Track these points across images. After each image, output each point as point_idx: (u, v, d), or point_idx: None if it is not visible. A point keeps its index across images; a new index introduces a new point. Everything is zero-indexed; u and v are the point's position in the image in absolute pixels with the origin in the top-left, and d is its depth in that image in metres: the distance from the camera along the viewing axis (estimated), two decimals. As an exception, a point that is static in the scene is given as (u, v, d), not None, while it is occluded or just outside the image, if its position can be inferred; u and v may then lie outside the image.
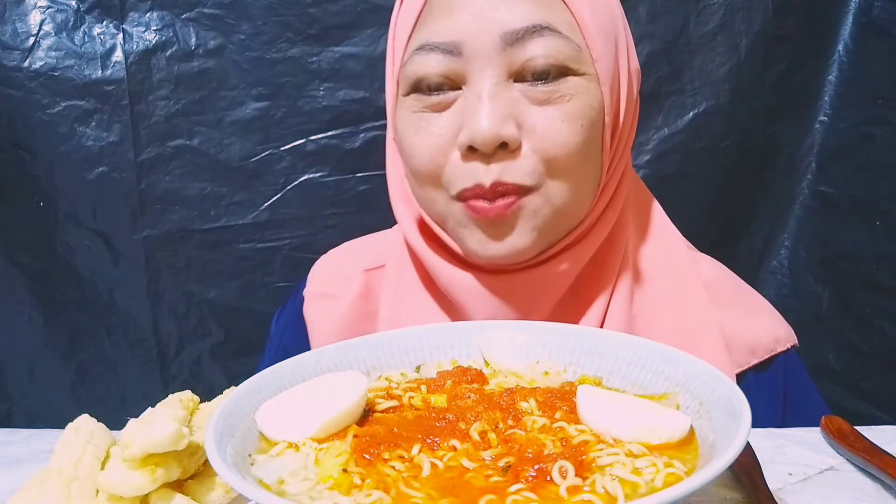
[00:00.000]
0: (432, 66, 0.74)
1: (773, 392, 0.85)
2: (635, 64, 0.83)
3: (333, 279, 0.95)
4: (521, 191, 0.74)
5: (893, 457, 0.66)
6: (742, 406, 0.51)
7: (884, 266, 1.40)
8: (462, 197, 0.75)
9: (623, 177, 0.84)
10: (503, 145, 0.72)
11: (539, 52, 0.72)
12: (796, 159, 1.50)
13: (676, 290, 0.85)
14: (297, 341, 0.94)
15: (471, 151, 0.73)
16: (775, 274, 1.55)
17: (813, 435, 0.75)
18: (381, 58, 1.38)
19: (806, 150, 1.49)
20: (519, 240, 0.76)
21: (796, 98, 1.47)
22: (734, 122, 1.45)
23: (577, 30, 0.74)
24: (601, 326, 0.81)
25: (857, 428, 0.73)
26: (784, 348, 0.88)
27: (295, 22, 1.37)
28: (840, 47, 1.44)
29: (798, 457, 0.70)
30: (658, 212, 0.92)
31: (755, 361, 0.85)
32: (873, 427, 0.74)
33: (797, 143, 1.49)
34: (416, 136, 0.77)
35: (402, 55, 0.78)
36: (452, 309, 0.84)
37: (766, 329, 0.88)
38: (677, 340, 0.77)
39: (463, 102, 0.74)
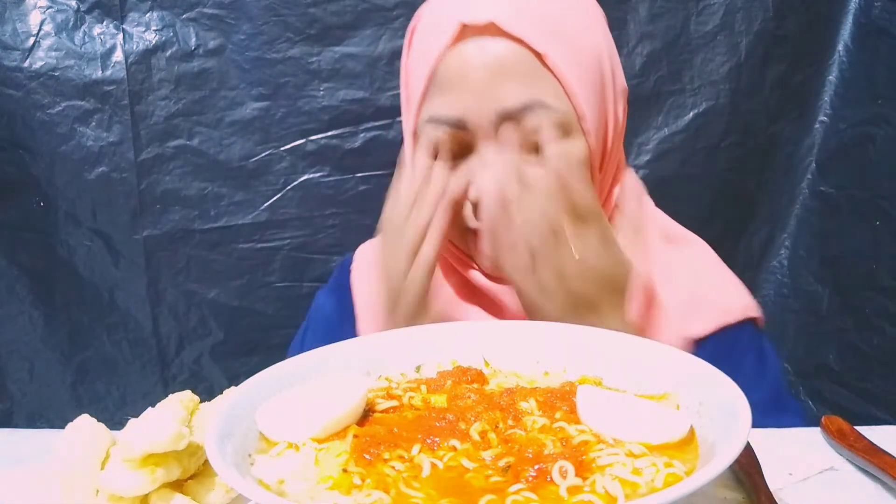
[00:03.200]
0: (443, 137, 0.84)
1: (729, 357, 0.87)
2: (621, 84, 0.90)
3: (373, 256, 1.02)
4: None
5: (893, 457, 0.66)
6: (742, 406, 0.51)
7: (884, 266, 1.40)
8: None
9: (614, 183, 0.93)
10: None
11: (533, 123, 0.81)
12: (796, 159, 1.50)
13: (646, 256, 0.92)
14: (344, 315, 1.01)
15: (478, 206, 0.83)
16: (775, 274, 1.55)
17: (813, 435, 0.75)
18: (381, 58, 1.39)
19: (806, 150, 1.49)
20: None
21: (796, 98, 1.47)
22: (734, 122, 1.44)
23: (564, 97, 0.82)
24: None
25: (857, 428, 0.73)
26: (747, 317, 0.92)
27: (295, 22, 1.37)
28: (840, 47, 1.44)
29: (798, 457, 0.70)
30: (647, 202, 0.99)
31: (719, 325, 0.89)
32: (873, 427, 0.74)
33: (797, 143, 1.49)
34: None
35: (416, 113, 0.87)
36: (475, 300, 0.92)
37: (732, 297, 0.94)
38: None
39: (472, 164, 0.84)
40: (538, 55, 0.81)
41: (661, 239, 0.97)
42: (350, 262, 1.07)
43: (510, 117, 0.81)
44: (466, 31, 0.82)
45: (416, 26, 0.92)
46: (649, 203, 1.00)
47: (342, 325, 1.02)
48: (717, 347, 0.88)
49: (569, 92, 0.82)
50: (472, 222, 0.86)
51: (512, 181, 0.80)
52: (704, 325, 0.89)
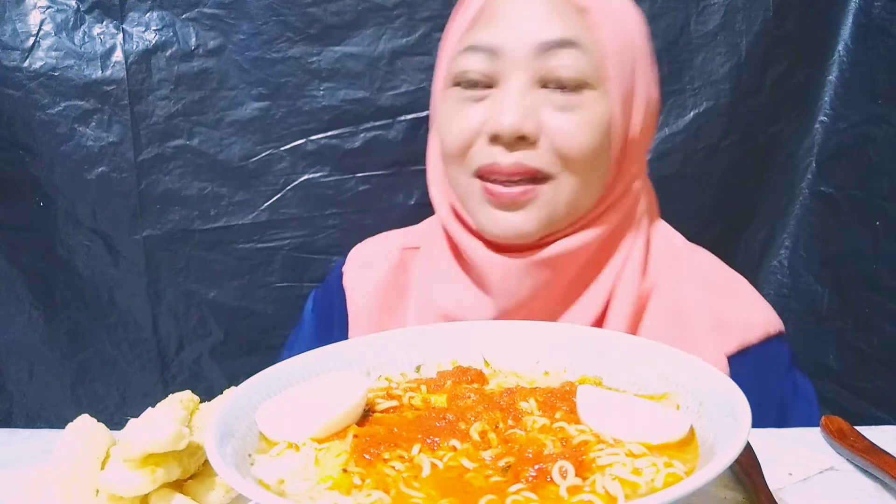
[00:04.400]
0: (474, 64, 0.88)
1: (758, 374, 0.90)
2: (654, 94, 0.95)
3: (372, 255, 1.08)
4: (538, 177, 0.87)
5: (893, 457, 0.66)
6: (742, 406, 0.51)
7: (884, 266, 1.40)
8: (479, 173, 0.89)
9: (632, 183, 0.96)
10: (523, 138, 0.85)
11: (565, 62, 0.85)
12: (796, 159, 1.50)
13: (673, 277, 0.96)
14: (337, 309, 1.05)
15: (495, 140, 0.86)
16: (775, 274, 1.55)
17: (813, 435, 0.75)
18: (381, 58, 1.39)
19: (806, 150, 1.49)
20: (525, 223, 0.88)
21: (796, 98, 1.47)
22: (734, 122, 1.44)
23: (598, 52, 0.87)
24: (606, 308, 0.92)
25: (857, 428, 0.73)
26: (773, 332, 0.94)
27: (295, 22, 1.37)
28: (840, 47, 1.44)
29: (798, 457, 0.71)
30: (658, 215, 1.03)
31: (745, 344, 0.92)
32: (873, 427, 0.74)
33: (797, 143, 1.49)
34: (452, 123, 0.91)
35: (451, 53, 0.92)
36: (480, 283, 0.94)
37: (756, 313, 0.96)
38: (671, 320, 0.90)
39: (494, 98, 0.87)
40: (581, 10, 0.87)
41: (683, 250, 0.99)
42: (341, 264, 1.10)
43: (545, 49, 0.85)
44: None
45: None
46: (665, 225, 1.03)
47: (331, 326, 1.06)
48: (746, 369, 0.88)
49: (603, 48, 0.87)
50: (479, 158, 0.88)
51: (530, 119, 0.85)
52: (729, 343, 0.90)
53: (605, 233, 0.93)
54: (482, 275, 0.92)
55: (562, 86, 0.86)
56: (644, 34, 0.95)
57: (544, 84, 0.86)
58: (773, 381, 0.92)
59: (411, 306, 1.00)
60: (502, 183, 0.87)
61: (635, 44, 0.92)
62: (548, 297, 0.91)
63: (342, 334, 1.03)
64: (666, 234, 1.01)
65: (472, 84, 0.89)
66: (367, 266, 1.06)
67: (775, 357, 0.94)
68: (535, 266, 0.90)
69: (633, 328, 0.92)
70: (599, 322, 0.91)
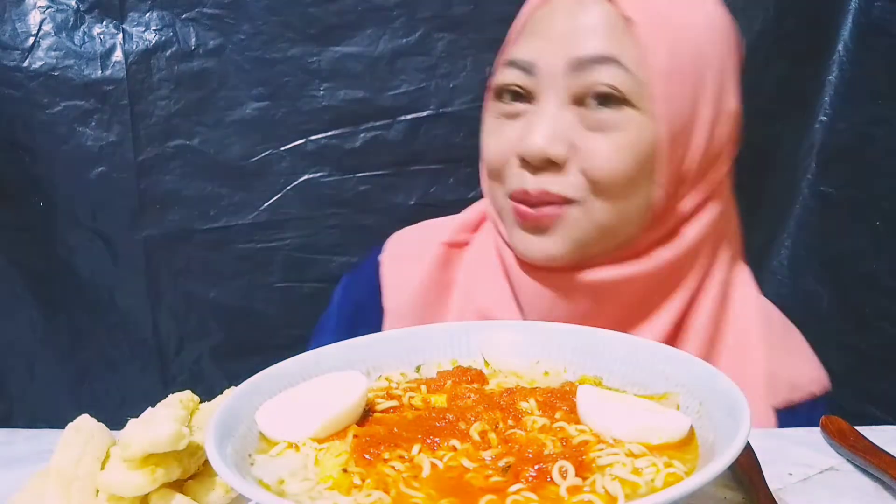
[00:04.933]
0: (511, 79, 0.85)
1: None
2: (731, 107, 0.89)
3: (413, 247, 1.03)
4: (564, 201, 0.82)
5: (893, 457, 0.66)
6: (742, 406, 0.51)
7: (884, 266, 1.40)
8: (511, 196, 0.85)
9: (697, 213, 0.88)
10: (551, 162, 0.81)
11: (600, 79, 0.79)
12: (796, 159, 1.50)
13: (746, 333, 0.89)
14: (370, 301, 1.00)
15: (523, 161, 0.83)
16: (775, 274, 1.55)
17: (813, 435, 0.75)
18: (382, 58, 1.39)
19: (806, 150, 1.49)
20: (552, 247, 0.84)
21: (796, 98, 1.47)
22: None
23: (644, 67, 0.79)
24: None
25: (857, 428, 0.73)
26: (819, 392, 0.91)
27: (295, 22, 1.37)
28: (840, 47, 1.44)
29: (798, 457, 0.71)
30: (740, 258, 0.96)
31: (789, 403, 0.88)
32: (873, 427, 0.74)
33: (797, 143, 1.49)
34: (491, 138, 0.89)
35: (497, 66, 0.89)
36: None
37: (804, 370, 0.92)
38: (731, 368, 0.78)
39: (529, 116, 0.84)
40: (627, 20, 0.80)
41: (751, 297, 0.93)
42: (376, 253, 1.04)
43: (581, 68, 0.79)
44: None
45: None
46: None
47: (362, 318, 1.01)
48: (784, 423, 0.86)
49: (649, 67, 0.79)
50: (511, 180, 0.85)
51: (560, 142, 0.80)
52: (776, 398, 0.87)
53: (654, 269, 0.86)
54: (518, 294, 0.90)
55: (599, 103, 0.80)
56: (720, 43, 0.86)
57: (579, 102, 0.81)
58: None
59: (453, 306, 0.96)
60: (531, 205, 0.84)
61: (702, 58, 0.83)
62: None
63: (375, 328, 0.98)
64: (744, 282, 0.93)
65: (513, 98, 0.85)
66: (406, 259, 1.01)
67: (818, 414, 0.85)
68: (569, 293, 0.86)
69: None
70: None
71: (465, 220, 1.02)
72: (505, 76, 0.86)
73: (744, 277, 0.95)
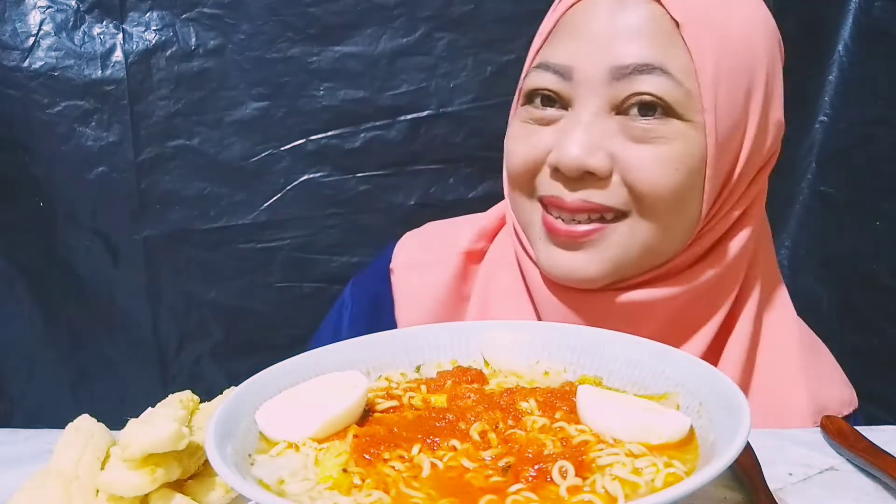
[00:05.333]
0: (544, 83, 0.77)
1: None
2: (777, 116, 0.83)
3: (426, 255, 0.96)
4: (609, 213, 0.76)
5: (893, 457, 0.66)
6: (742, 406, 0.51)
7: (884, 266, 1.40)
8: (544, 204, 0.79)
9: (737, 231, 0.82)
10: (590, 174, 0.74)
11: (644, 88, 0.73)
12: (796, 159, 1.50)
13: (783, 355, 0.84)
14: (381, 310, 0.95)
15: (557, 172, 0.76)
16: (775, 274, 1.55)
17: (813, 435, 0.75)
18: (382, 58, 1.39)
19: (806, 150, 1.49)
20: (586, 267, 0.77)
21: (796, 98, 1.47)
22: (734, 122, 1.45)
23: (692, 75, 0.73)
24: None
25: (857, 428, 0.73)
26: (849, 412, 0.87)
27: (295, 22, 1.37)
28: (840, 47, 1.44)
29: (798, 457, 0.71)
30: (776, 276, 0.89)
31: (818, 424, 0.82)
32: (873, 427, 0.74)
33: (797, 143, 1.49)
34: (518, 144, 0.81)
35: (527, 67, 0.82)
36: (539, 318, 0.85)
37: (837, 392, 0.88)
38: (769, 410, 0.79)
39: (564, 123, 0.77)
40: (675, 23, 0.73)
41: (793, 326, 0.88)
42: (390, 253, 0.99)
43: (623, 75, 0.73)
44: None
45: None
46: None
47: (382, 316, 0.95)
48: None
49: (699, 72, 0.73)
50: (543, 188, 0.78)
51: (600, 153, 0.74)
52: (800, 421, 0.82)
53: (695, 288, 0.80)
54: (541, 314, 0.84)
55: (641, 113, 0.74)
56: (771, 50, 0.81)
57: (621, 111, 0.75)
58: None
59: (469, 316, 0.91)
60: (566, 219, 0.77)
61: (752, 64, 0.78)
62: None
63: (390, 328, 0.88)
64: (778, 293, 0.87)
65: (545, 103, 0.78)
66: (419, 269, 0.94)
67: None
68: (600, 316, 0.79)
69: None
70: None
71: (482, 227, 0.95)
72: (538, 80, 0.78)
73: (782, 299, 0.88)
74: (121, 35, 1.36)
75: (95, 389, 1.51)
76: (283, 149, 1.41)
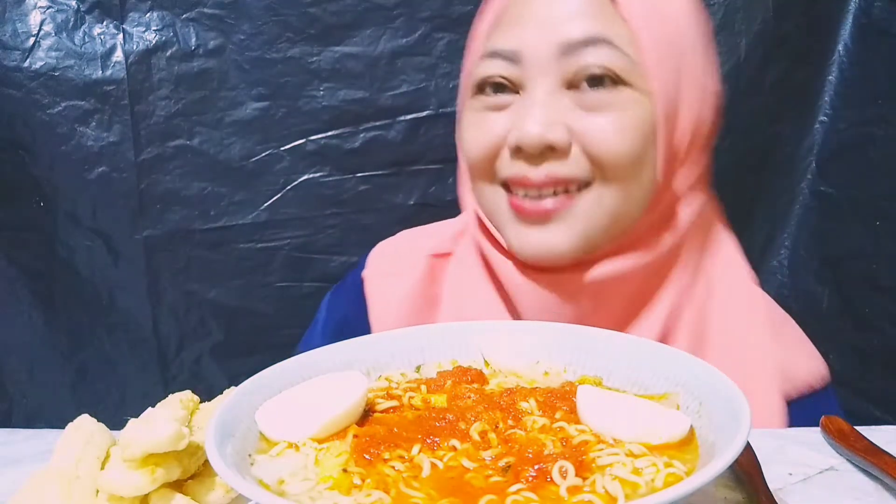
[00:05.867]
0: (494, 70, 0.80)
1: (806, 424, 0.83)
2: (714, 86, 0.84)
3: (396, 262, 0.98)
4: (572, 185, 0.78)
5: (893, 457, 0.66)
6: (742, 406, 0.51)
7: (884, 266, 1.40)
8: (508, 184, 0.81)
9: (687, 196, 0.85)
10: (552, 149, 0.77)
11: (592, 60, 0.76)
12: (796, 159, 1.50)
13: (739, 321, 0.86)
14: (356, 318, 0.96)
15: (518, 152, 0.78)
16: (775, 274, 1.55)
17: (813, 435, 0.75)
18: (381, 58, 1.39)
19: (806, 150, 1.49)
20: (557, 240, 0.79)
21: (796, 98, 1.47)
22: (734, 122, 1.44)
23: (633, 46, 0.77)
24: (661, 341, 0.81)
25: (857, 428, 0.73)
26: (820, 385, 0.89)
27: (295, 22, 1.37)
28: (840, 47, 1.44)
29: (798, 457, 0.70)
30: (727, 239, 0.92)
31: (787, 395, 0.85)
32: (873, 427, 0.74)
33: (797, 143, 1.49)
34: (474, 132, 0.83)
35: (473, 59, 0.85)
36: (513, 309, 0.87)
37: (804, 363, 0.89)
38: (734, 371, 0.76)
39: (518, 106, 0.79)
40: (612, 1, 0.78)
41: (749, 289, 0.90)
42: (360, 268, 1.01)
43: (570, 52, 0.76)
44: None
45: None
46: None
47: (357, 330, 0.92)
48: (798, 419, 0.83)
49: (638, 41, 0.77)
50: (506, 169, 0.80)
51: (557, 127, 0.76)
52: (787, 391, 0.84)
53: (656, 256, 0.83)
54: (515, 301, 0.85)
55: (592, 84, 0.77)
56: (694, 18, 0.83)
57: (572, 86, 0.77)
58: None
59: (441, 320, 0.91)
60: (532, 197, 0.79)
61: (682, 32, 0.81)
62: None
63: None
64: (732, 262, 0.89)
65: (496, 90, 0.81)
66: (391, 275, 0.96)
67: (821, 410, 0.82)
68: (574, 295, 0.81)
69: None
70: None
71: (449, 230, 0.98)
72: (487, 68, 0.81)
73: (740, 269, 0.90)
74: (121, 35, 1.37)
75: (96, 389, 1.51)
76: (283, 149, 1.41)
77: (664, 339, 0.82)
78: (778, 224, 1.53)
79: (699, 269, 0.87)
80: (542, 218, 0.79)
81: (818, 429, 0.75)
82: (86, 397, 1.51)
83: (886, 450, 0.67)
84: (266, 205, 1.43)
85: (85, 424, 0.64)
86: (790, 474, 0.67)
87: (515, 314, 0.86)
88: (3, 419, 1.51)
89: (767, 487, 0.62)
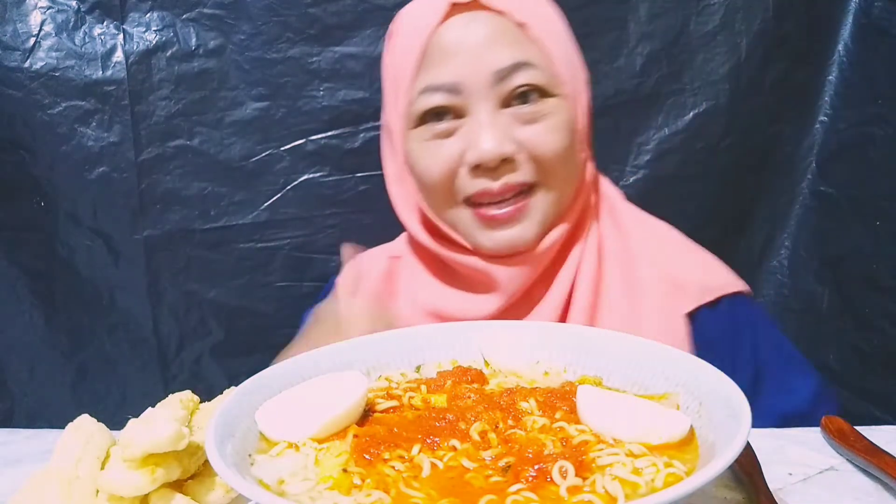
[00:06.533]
0: (437, 101, 0.92)
1: (723, 329, 0.96)
2: (585, 75, 1.00)
3: (363, 265, 1.12)
4: (527, 189, 0.93)
5: (893, 457, 0.66)
6: (742, 406, 0.51)
7: (884, 266, 1.40)
8: (470, 201, 0.94)
9: (587, 170, 1.02)
10: (506, 161, 0.90)
11: (522, 81, 0.90)
12: (796, 159, 1.50)
13: (626, 245, 1.01)
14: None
15: (477, 168, 0.91)
16: (775, 274, 1.55)
17: (813, 435, 0.75)
18: (381, 57, 1.39)
19: (806, 150, 1.49)
20: (523, 235, 0.94)
21: (796, 98, 1.47)
22: (734, 122, 1.44)
23: (547, 62, 0.93)
24: (573, 286, 0.98)
25: (857, 428, 0.73)
26: (731, 291, 0.98)
27: (295, 22, 1.37)
28: (840, 47, 1.44)
29: (798, 457, 0.71)
30: (607, 184, 1.08)
31: (703, 303, 0.96)
32: (873, 427, 0.74)
33: (797, 143, 1.49)
34: (430, 160, 0.94)
35: (407, 95, 0.95)
36: (457, 284, 1.02)
37: (715, 275, 1.01)
38: (625, 289, 0.97)
39: (467, 130, 0.92)
40: (520, 25, 0.92)
41: (635, 223, 1.04)
42: (333, 281, 1.12)
43: (501, 77, 0.90)
44: (453, 9, 0.92)
45: (397, 22, 1.01)
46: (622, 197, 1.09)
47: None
48: (709, 326, 0.96)
49: (550, 58, 0.93)
50: (467, 187, 0.92)
51: (507, 140, 0.90)
52: (689, 303, 0.96)
53: (578, 219, 1.00)
54: (489, 282, 0.97)
55: (525, 101, 0.91)
56: (566, 26, 0.99)
57: (507, 104, 0.91)
58: (739, 337, 0.97)
59: (401, 307, 1.05)
60: (495, 204, 0.92)
61: (567, 41, 0.98)
62: (527, 286, 0.98)
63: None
64: (617, 203, 1.05)
65: (439, 118, 0.93)
66: (359, 276, 1.09)
67: (739, 314, 0.98)
68: (532, 265, 0.96)
69: (595, 304, 0.97)
70: (567, 302, 0.97)
71: (403, 239, 1.13)
72: (429, 100, 0.92)
73: (622, 206, 1.05)
74: (121, 35, 1.37)
75: (96, 389, 1.51)
76: (283, 149, 1.41)
77: (576, 280, 0.97)
78: (778, 224, 1.53)
79: (593, 215, 1.03)
80: (509, 220, 0.93)
81: (818, 429, 0.76)
82: (86, 397, 1.51)
83: (886, 450, 0.67)
84: (266, 205, 1.43)
85: (85, 424, 0.64)
86: (790, 474, 0.67)
87: (473, 291, 0.99)
88: (4, 418, 1.51)
89: (767, 487, 0.62)
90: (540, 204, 0.94)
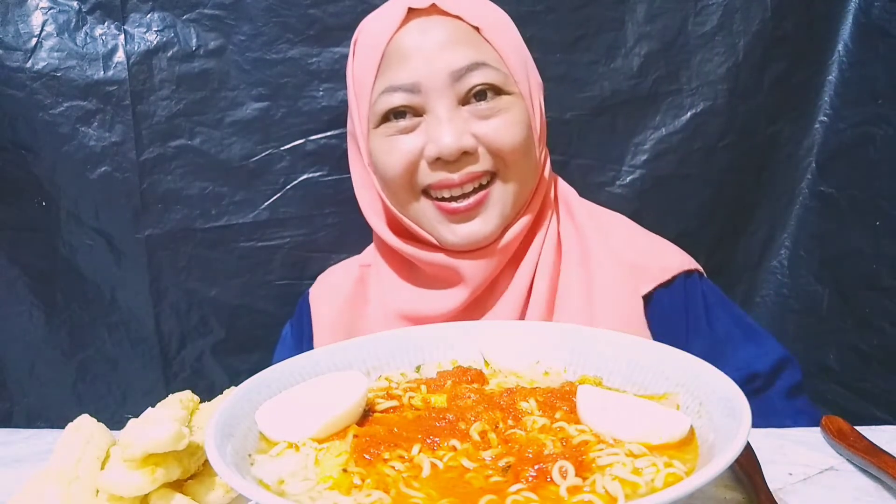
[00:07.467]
0: (398, 101, 0.98)
1: (677, 304, 1.03)
2: (538, 80, 1.07)
3: (335, 274, 1.21)
4: (486, 181, 1.00)
5: (893, 457, 0.66)
6: (742, 406, 0.51)
7: (884, 266, 1.39)
8: (431, 193, 1.00)
9: (545, 161, 1.08)
10: (465, 154, 0.97)
11: (478, 80, 0.97)
12: (796, 159, 1.49)
13: (582, 235, 1.07)
14: (306, 327, 1.16)
15: (437, 161, 0.97)
16: (775, 274, 1.55)
17: (813, 435, 0.75)
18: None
19: (806, 150, 1.49)
20: (484, 227, 1.00)
21: (796, 98, 1.47)
22: (732, 123, 1.44)
23: (502, 63, 1.00)
24: (534, 276, 1.03)
25: (857, 428, 0.73)
26: (685, 269, 1.05)
27: (295, 23, 1.37)
28: (840, 47, 1.44)
29: (798, 457, 0.71)
30: (561, 181, 1.15)
31: (661, 283, 1.03)
32: (873, 427, 0.74)
33: (797, 143, 1.49)
34: (390, 155, 1.00)
35: (368, 98, 1.01)
36: (424, 284, 1.07)
37: (670, 257, 1.08)
38: (585, 273, 1.03)
39: (426, 126, 0.98)
40: (475, 29, 0.98)
41: (589, 216, 1.10)
42: (307, 294, 1.20)
43: (459, 76, 0.96)
44: (411, 15, 0.98)
45: (360, 31, 1.07)
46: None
47: (299, 349, 1.13)
48: (664, 303, 1.02)
49: (504, 59, 1.00)
50: (427, 178, 0.98)
51: (465, 135, 0.96)
52: (645, 285, 1.02)
53: (537, 213, 1.06)
54: (454, 277, 1.02)
55: (481, 98, 0.97)
56: (517, 33, 1.05)
57: (465, 102, 0.98)
58: (693, 310, 1.03)
59: (372, 312, 1.11)
60: (456, 198, 0.99)
61: (519, 42, 1.04)
62: (491, 279, 1.03)
63: (309, 348, 1.11)
64: (571, 197, 1.12)
65: (399, 117, 0.99)
66: (331, 285, 1.18)
67: (692, 290, 1.05)
68: (496, 258, 1.02)
69: (554, 290, 1.03)
70: (528, 291, 1.03)
71: (371, 249, 1.19)
72: (391, 101, 0.98)
73: (575, 199, 1.12)
74: (122, 36, 1.37)
75: (97, 388, 1.51)
76: (283, 149, 1.41)
77: (536, 272, 1.03)
78: (778, 224, 1.53)
79: (552, 209, 1.09)
80: (468, 214, 0.99)
81: (818, 429, 0.76)
82: (87, 396, 1.51)
83: (886, 450, 0.67)
84: (266, 204, 1.43)
85: (85, 424, 0.64)
86: (790, 474, 0.67)
87: (437, 287, 1.04)
88: (4, 418, 1.51)
89: (767, 487, 0.62)
90: (499, 196, 1.00)
